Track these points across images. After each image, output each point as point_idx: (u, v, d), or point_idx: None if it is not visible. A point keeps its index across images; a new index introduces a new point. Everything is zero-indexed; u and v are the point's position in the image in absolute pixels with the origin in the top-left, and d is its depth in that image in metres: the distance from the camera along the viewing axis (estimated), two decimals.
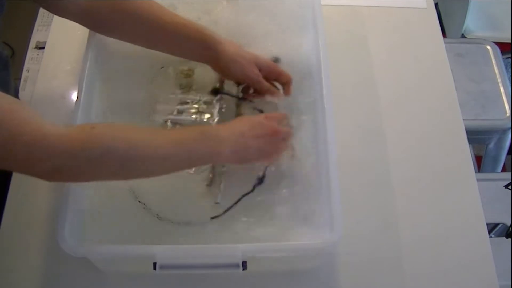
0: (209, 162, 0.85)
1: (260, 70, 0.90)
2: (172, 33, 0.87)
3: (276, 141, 0.84)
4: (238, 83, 0.94)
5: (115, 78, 0.96)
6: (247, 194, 0.86)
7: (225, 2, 1.04)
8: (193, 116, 0.93)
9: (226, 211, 0.85)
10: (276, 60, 0.96)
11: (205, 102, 0.94)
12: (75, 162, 0.67)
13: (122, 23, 0.87)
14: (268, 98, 0.91)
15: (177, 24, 0.87)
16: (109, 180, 0.81)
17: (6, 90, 0.80)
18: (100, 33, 0.91)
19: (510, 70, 2.13)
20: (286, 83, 0.93)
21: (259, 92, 0.92)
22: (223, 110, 0.94)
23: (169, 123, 0.92)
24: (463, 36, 1.79)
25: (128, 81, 0.96)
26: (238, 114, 0.93)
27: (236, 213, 0.85)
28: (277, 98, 0.91)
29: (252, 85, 0.91)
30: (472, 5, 1.72)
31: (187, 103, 0.95)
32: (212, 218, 0.84)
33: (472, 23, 1.80)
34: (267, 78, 0.91)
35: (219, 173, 0.88)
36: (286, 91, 0.93)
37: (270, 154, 0.84)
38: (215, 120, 0.92)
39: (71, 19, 0.86)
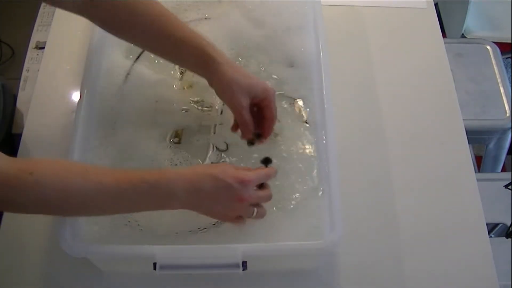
0: (157, 210, 0.77)
1: (253, 97, 0.84)
2: (172, 48, 0.85)
3: (239, 207, 0.77)
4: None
5: (115, 80, 0.96)
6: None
7: (227, 2, 1.04)
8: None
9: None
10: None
11: (207, 104, 0.94)
12: (10, 206, 0.70)
13: (127, 27, 0.85)
14: (239, 134, 0.86)
15: (178, 39, 0.83)
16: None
17: None
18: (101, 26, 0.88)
19: (510, 70, 2.13)
20: (267, 124, 0.86)
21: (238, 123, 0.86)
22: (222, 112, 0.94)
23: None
24: (463, 36, 1.78)
25: (128, 82, 0.96)
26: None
27: None
28: (245, 138, 0.86)
29: (234, 114, 0.85)
30: (472, 5, 1.71)
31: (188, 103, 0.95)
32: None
33: (472, 23, 1.80)
34: (259, 105, 0.85)
35: None
36: (264, 133, 0.86)
37: (226, 218, 0.79)
38: (217, 124, 0.92)
39: (78, 14, 0.84)
